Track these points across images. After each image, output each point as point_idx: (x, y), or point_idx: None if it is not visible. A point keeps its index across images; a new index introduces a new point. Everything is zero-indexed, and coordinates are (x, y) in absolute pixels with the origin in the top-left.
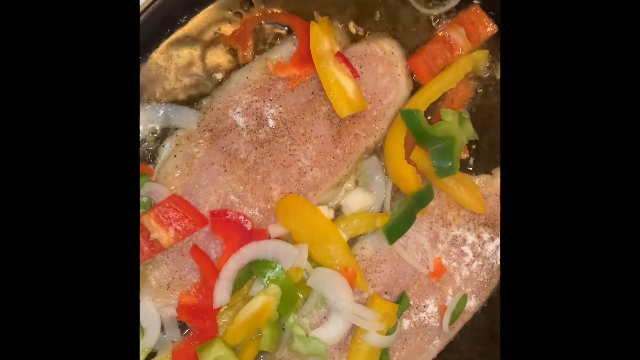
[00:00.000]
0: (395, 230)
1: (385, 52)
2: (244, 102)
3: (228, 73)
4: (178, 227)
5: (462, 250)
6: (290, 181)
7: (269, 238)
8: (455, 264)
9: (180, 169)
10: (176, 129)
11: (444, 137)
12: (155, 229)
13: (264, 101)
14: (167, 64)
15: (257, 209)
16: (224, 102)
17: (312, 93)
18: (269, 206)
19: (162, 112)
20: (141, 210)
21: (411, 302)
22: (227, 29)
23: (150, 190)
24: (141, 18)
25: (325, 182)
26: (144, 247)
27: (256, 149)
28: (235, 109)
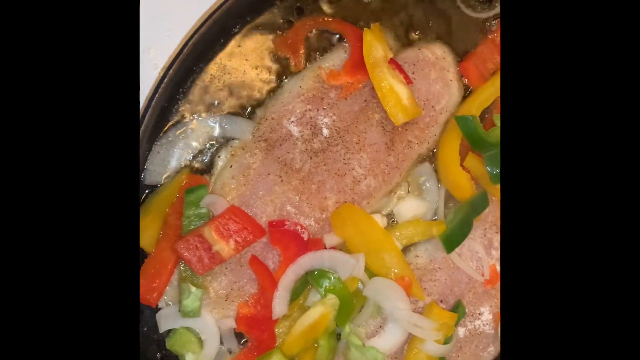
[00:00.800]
0: (453, 239)
1: (437, 57)
2: (298, 111)
3: (280, 82)
4: (238, 239)
5: None
6: (344, 190)
7: (325, 248)
8: None
9: (236, 179)
10: (231, 139)
11: (498, 143)
12: (216, 241)
13: (317, 110)
14: (221, 74)
15: (312, 219)
16: (278, 111)
17: (365, 101)
18: (324, 216)
19: (216, 123)
20: (201, 222)
21: (466, 310)
22: (279, 38)
23: (210, 202)
24: (200, 30)
25: (379, 190)
26: (204, 259)
27: (311, 158)
28: (289, 118)
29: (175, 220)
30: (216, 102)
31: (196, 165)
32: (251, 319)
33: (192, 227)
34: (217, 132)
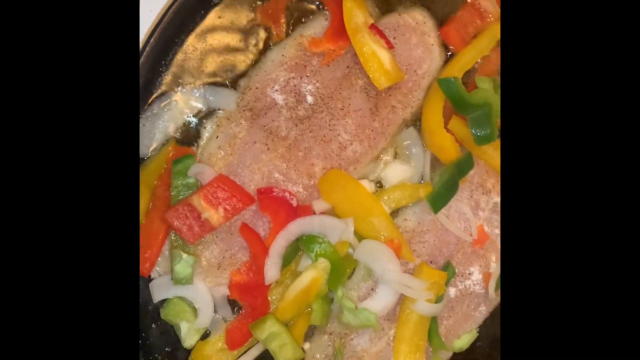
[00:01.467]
0: (439, 199)
1: (417, 22)
2: (282, 79)
3: (263, 52)
4: (227, 207)
5: None
6: (331, 156)
7: (314, 214)
8: (497, 230)
9: (223, 149)
10: (216, 110)
11: (482, 105)
12: (205, 209)
13: (300, 77)
14: (203, 46)
15: (300, 185)
16: (262, 80)
17: (348, 67)
18: (312, 182)
19: (200, 94)
20: (189, 191)
21: (456, 271)
22: (260, 8)
23: (197, 171)
24: (177, 2)
25: (365, 155)
26: (194, 227)
27: (296, 125)
28: (273, 87)
29: (164, 191)
30: (200, 74)
31: (182, 136)
32: (244, 286)
33: (181, 197)
34: (201, 103)
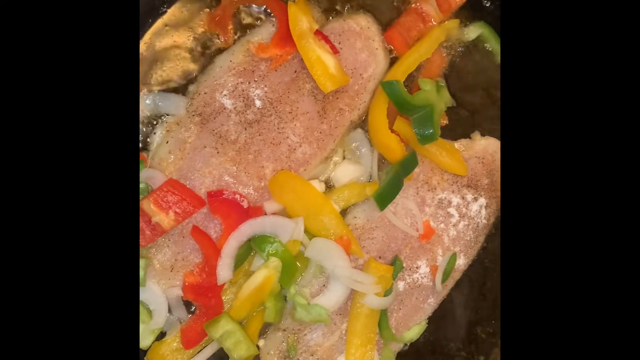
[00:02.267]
0: (384, 197)
1: (361, 27)
2: (230, 84)
3: (211, 58)
4: (177, 210)
5: (449, 212)
6: (281, 158)
7: (265, 214)
8: (442, 225)
9: (173, 154)
10: (166, 115)
11: (424, 106)
12: (155, 212)
13: (249, 82)
14: (152, 54)
15: (251, 187)
16: (210, 86)
17: (295, 72)
18: (263, 184)
19: (149, 100)
20: (140, 196)
21: (404, 265)
22: (207, 15)
23: (148, 176)
24: None
25: (315, 157)
26: (145, 231)
27: (245, 129)
28: (222, 92)
29: None
30: (149, 80)
31: None
32: (197, 287)
33: None
34: (150, 109)
